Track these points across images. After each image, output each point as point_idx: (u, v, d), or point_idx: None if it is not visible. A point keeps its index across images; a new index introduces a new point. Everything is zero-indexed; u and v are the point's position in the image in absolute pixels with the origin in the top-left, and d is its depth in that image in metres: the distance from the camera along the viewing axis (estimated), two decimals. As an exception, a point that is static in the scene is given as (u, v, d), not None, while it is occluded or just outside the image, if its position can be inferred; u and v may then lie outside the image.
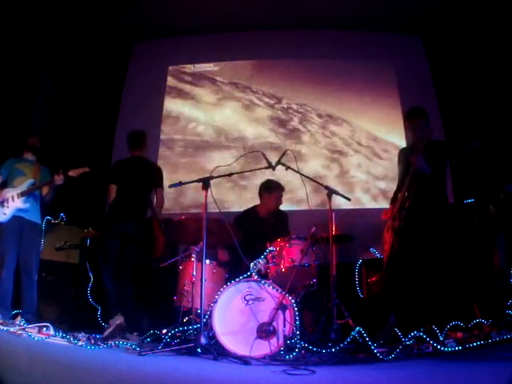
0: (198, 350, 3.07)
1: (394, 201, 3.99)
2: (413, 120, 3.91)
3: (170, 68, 6.69)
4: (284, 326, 3.18)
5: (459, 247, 4.20)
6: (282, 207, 4.89)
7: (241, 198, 5.82)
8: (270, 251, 3.76)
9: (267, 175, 4.78)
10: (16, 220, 4.20)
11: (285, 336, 3.17)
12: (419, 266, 3.57)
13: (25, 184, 4.28)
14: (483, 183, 4.90)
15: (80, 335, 3.50)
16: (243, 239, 3.92)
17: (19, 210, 4.21)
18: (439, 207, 3.73)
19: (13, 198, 4.21)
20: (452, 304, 3.80)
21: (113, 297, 4.04)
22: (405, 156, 3.96)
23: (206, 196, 3.47)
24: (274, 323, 3.21)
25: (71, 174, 4.25)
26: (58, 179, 4.23)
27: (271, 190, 4.69)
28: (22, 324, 3.65)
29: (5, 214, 4.17)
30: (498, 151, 5.00)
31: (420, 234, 3.64)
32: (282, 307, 3.23)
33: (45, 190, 4.40)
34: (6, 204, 4.19)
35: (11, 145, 5.07)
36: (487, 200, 4.28)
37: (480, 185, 5.00)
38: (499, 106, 5.49)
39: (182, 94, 6.56)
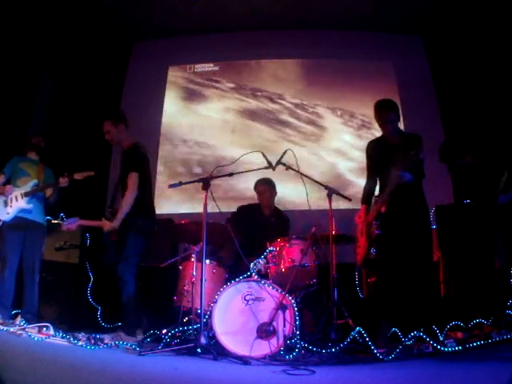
0: (198, 350, 3.07)
1: (365, 201, 3.81)
2: (381, 113, 3.70)
3: (170, 68, 6.69)
4: (284, 326, 3.19)
5: (456, 247, 4.20)
6: (283, 207, 4.89)
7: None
8: (270, 251, 3.76)
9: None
10: (19, 220, 4.18)
11: (285, 336, 3.17)
12: (404, 270, 3.47)
13: (28, 184, 4.26)
14: (482, 184, 4.90)
15: (80, 335, 3.50)
16: (243, 234, 3.92)
17: (22, 210, 4.19)
18: (417, 209, 3.58)
19: (16, 197, 4.19)
20: (452, 304, 3.80)
21: (135, 296, 3.83)
22: (374, 151, 3.80)
23: (205, 196, 3.47)
24: (274, 323, 3.21)
25: (76, 177, 4.22)
26: (63, 182, 4.20)
27: (255, 185, 4.77)
28: (22, 324, 3.65)
29: (8, 214, 4.16)
30: (497, 152, 4.99)
31: (400, 240, 3.50)
32: (282, 307, 3.23)
33: (48, 192, 4.38)
34: (9, 203, 4.17)
35: (12, 144, 5.08)
36: (486, 200, 4.29)
37: (478, 185, 5.00)
38: (499, 106, 5.49)
39: (182, 94, 6.56)
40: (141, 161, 3.98)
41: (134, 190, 3.83)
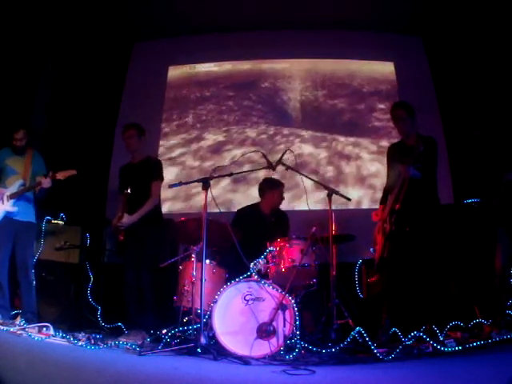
0: (198, 350, 3.07)
1: (383, 201, 3.95)
2: (391, 113, 3.95)
3: (171, 68, 6.69)
4: (284, 326, 3.18)
5: (456, 247, 4.20)
6: (283, 207, 4.88)
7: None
8: (270, 251, 3.76)
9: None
10: (7, 221, 4.11)
11: (285, 336, 3.17)
12: (414, 268, 3.55)
13: (15, 185, 4.17)
14: (485, 182, 4.89)
15: (80, 335, 3.50)
16: (245, 236, 3.92)
17: (9, 213, 4.12)
18: (430, 208, 3.68)
19: (2, 200, 4.12)
20: (452, 304, 3.80)
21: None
22: (393, 154, 3.94)
23: (205, 196, 3.48)
24: (274, 323, 3.20)
25: (59, 176, 4.12)
26: (45, 182, 4.09)
27: (274, 186, 4.69)
28: (22, 324, 3.64)
29: None
30: (498, 148, 4.99)
31: (412, 237, 3.60)
32: (282, 307, 3.23)
33: (37, 188, 4.24)
34: None
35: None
36: (489, 198, 4.28)
37: (482, 183, 5.00)
38: (499, 106, 5.49)
39: (182, 94, 6.56)
40: (162, 171, 4.38)
41: (157, 197, 4.27)
